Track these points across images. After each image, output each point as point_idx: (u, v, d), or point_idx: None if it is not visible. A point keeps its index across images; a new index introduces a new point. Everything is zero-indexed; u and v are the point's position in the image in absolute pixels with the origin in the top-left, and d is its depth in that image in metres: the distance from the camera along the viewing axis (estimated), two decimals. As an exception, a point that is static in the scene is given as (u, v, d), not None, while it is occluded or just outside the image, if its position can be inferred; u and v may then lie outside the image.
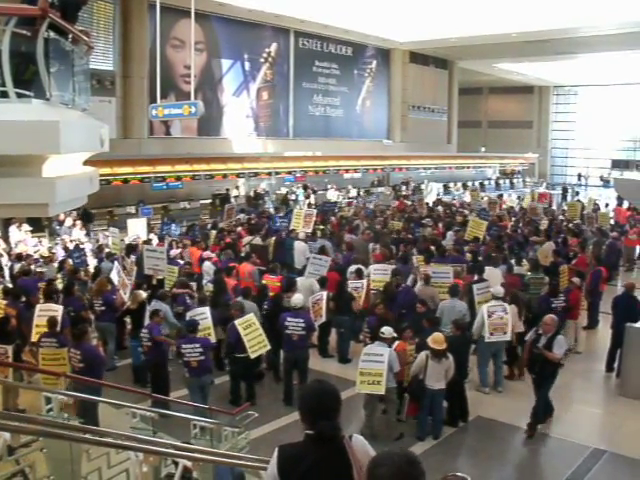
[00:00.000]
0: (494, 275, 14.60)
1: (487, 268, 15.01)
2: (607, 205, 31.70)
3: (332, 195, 37.08)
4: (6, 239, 20.89)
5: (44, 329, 11.03)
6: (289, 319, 11.54)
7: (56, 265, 17.58)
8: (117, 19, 31.31)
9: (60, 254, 18.93)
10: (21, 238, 20.84)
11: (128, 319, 13.68)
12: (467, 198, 36.04)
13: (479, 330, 12.06)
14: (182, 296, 13.68)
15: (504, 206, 30.13)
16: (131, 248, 17.81)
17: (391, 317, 12.22)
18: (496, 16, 36.62)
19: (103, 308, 13.14)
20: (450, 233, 20.62)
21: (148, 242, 19.38)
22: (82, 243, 20.53)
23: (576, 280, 14.65)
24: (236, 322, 11.35)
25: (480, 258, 16.92)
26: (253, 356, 11.21)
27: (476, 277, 14.61)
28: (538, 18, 36.05)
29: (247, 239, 19.78)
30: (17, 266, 17.23)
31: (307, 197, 34.98)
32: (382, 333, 10.26)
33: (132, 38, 32.04)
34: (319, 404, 3.69)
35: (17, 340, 11.46)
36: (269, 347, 11.52)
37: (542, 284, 14.63)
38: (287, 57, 42.57)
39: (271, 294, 13.65)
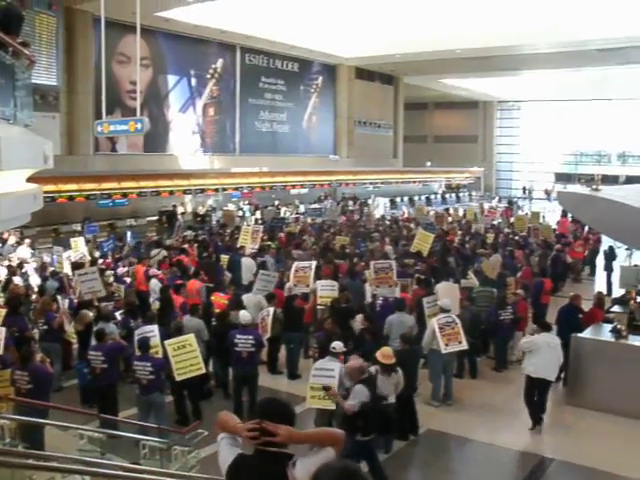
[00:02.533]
0: (451, 289, 14.71)
1: (444, 283, 15.13)
2: (544, 217, 32.13)
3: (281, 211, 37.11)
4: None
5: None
6: (238, 336, 11.45)
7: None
8: (61, 33, 30.88)
9: (3, 273, 18.55)
10: (-38, 257, 20.41)
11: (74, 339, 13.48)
12: (406, 210, 36.44)
13: (429, 343, 12.14)
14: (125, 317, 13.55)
15: (449, 219, 30.48)
16: (76, 266, 17.54)
17: (338, 332, 12.23)
18: (440, 33, 37.17)
19: (46, 327, 12.89)
20: (389, 248, 20.73)
21: (95, 261, 19.10)
22: (27, 262, 20.13)
23: (520, 292, 14.86)
24: (166, 342, 11.13)
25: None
26: (179, 379, 10.97)
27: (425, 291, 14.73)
28: (481, 35, 36.72)
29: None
30: (-42, 286, 16.85)
31: (253, 213, 34.85)
32: (333, 348, 10.24)
33: (77, 53, 31.68)
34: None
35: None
36: (203, 371, 11.22)
37: (490, 297, 14.79)
38: (233, 73, 42.52)
39: (217, 311, 13.57)
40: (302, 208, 38.74)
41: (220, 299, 14.46)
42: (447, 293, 14.17)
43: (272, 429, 3.60)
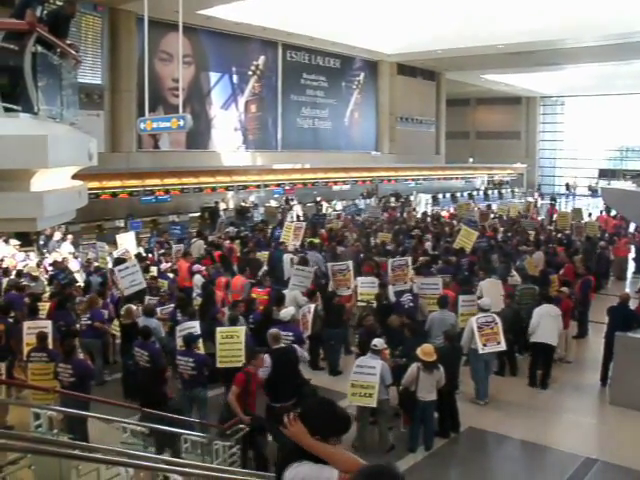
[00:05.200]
0: (494, 286, 14.63)
1: (488, 279, 15.06)
2: (590, 215, 31.84)
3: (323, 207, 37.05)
4: (-7, 254, 20.80)
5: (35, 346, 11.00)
6: (278, 332, 11.51)
7: (44, 279, 17.50)
8: (105, 33, 31.27)
9: (49, 269, 18.83)
10: (8, 252, 20.73)
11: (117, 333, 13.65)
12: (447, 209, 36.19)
13: (468, 342, 12.07)
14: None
15: (492, 216, 30.21)
16: (119, 262, 17.72)
17: (377, 329, 12.25)
18: (482, 28, 36.79)
19: (89, 322, 13.06)
20: (429, 244, 20.68)
21: (139, 256, 19.30)
22: (75, 256, 20.43)
23: (565, 289, 14.69)
24: (217, 329, 11.34)
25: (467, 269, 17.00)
26: (219, 366, 11.12)
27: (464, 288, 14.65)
28: (524, 30, 36.25)
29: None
30: (4, 281, 17.14)
31: (290, 209, 34.70)
32: (374, 345, 10.24)
33: (120, 52, 31.99)
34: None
35: (9, 356, 11.43)
36: (241, 364, 11.36)
37: (533, 295, 14.64)
38: (275, 70, 42.57)
39: (260, 307, 13.66)
40: (339, 205, 38.56)
41: (259, 295, 14.53)
42: (491, 290, 14.12)
43: (287, 423, 3.75)
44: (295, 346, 10.80)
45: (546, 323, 12.74)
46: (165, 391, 9.84)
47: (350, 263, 16.04)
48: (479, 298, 13.52)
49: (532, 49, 40.24)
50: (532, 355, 13.28)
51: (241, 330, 11.34)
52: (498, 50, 41.09)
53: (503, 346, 12.08)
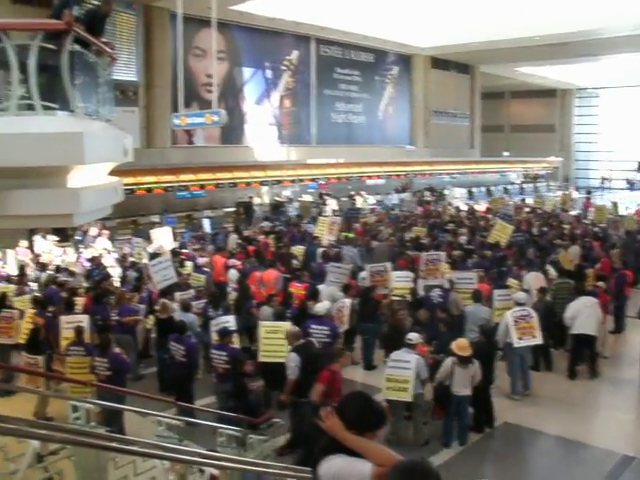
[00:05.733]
0: (538, 279, 14.55)
1: (532, 273, 15.00)
2: (627, 208, 31.45)
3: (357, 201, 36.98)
4: (32, 249, 21.08)
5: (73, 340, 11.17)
6: (313, 326, 11.55)
7: (81, 275, 17.71)
8: (140, 30, 31.50)
9: (86, 264, 19.06)
10: (46, 248, 21.00)
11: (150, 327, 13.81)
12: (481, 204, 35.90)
13: (503, 336, 12.02)
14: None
15: (527, 210, 29.95)
16: (155, 257, 17.85)
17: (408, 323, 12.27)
18: (517, 20, 36.47)
19: (117, 318, 13.21)
20: (463, 238, 20.59)
21: (174, 251, 19.46)
22: (109, 252, 20.65)
23: (601, 284, 14.55)
24: (261, 323, 11.46)
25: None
26: (261, 359, 11.20)
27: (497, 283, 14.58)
28: (559, 21, 35.86)
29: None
30: (43, 276, 17.38)
31: (324, 204, 34.67)
32: (409, 340, 10.24)
33: (154, 48, 32.21)
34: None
35: (47, 350, 11.62)
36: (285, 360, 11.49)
37: (569, 289, 14.51)
38: (308, 64, 42.58)
39: (296, 301, 13.72)
40: (371, 199, 38.41)
41: (298, 290, 14.57)
42: (535, 283, 14.07)
43: (324, 417, 3.81)
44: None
45: (584, 314, 12.72)
46: (245, 384, 9.85)
47: (389, 265, 15.94)
48: (526, 291, 13.48)
49: (567, 40, 39.73)
50: (572, 347, 13.27)
51: (286, 325, 11.43)
52: (533, 42, 40.70)
53: (539, 340, 12.01)
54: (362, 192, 38.87)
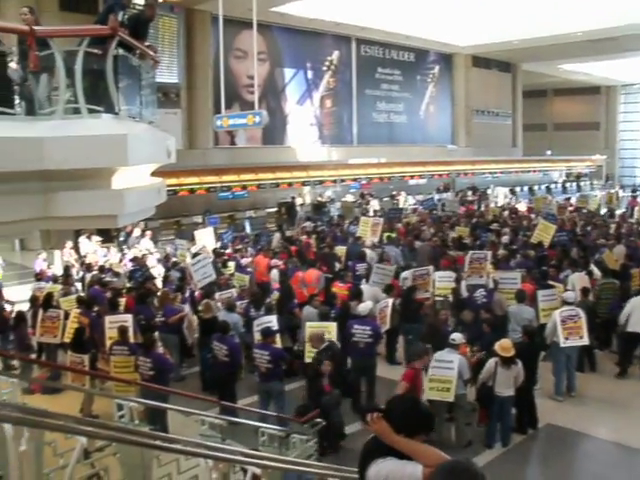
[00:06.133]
0: (583, 280, 14.39)
1: (577, 273, 14.83)
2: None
3: (400, 201, 36.80)
4: (77, 250, 21.37)
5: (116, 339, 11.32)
6: (356, 326, 11.55)
7: (125, 275, 17.90)
8: (181, 33, 31.84)
9: (129, 265, 19.27)
10: (91, 249, 21.27)
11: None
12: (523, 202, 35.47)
13: (551, 335, 11.91)
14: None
15: (570, 209, 29.57)
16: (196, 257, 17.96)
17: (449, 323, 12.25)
18: (560, 16, 36.04)
19: (163, 319, 13.34)
20: (506, 238, 20.41)
21: (216, 252, 19.60)
22: (151, 253, 20.85)
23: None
24: (307, 324, 11.49)
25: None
26: (307, 360, 11.24)
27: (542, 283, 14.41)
28: (604, 15, 35.29)
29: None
30: (88, 276, 17.62)
31: (367, 204, 34.56)
32: (453, 340, 10.19)
33: (196, 50, 32.50)
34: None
35: (92, 349, 11.79)
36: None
37: (614, 289, 14.30)
38: (349, 64, 42.60)
39: (339, 301, 13.74)
40: (410, 199, 38.14)
41: (340, 290, 14.58)
42: (579, 284, 13.90)
43: (370, 420, 3.81)
44: None
45: (637, 312, 12.59)
46: (323, 385, 9.85)
47: (431, 269, 15.79)
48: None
49: (612, 35, 39.13)
50: (623, 346, 13.18)
51: (332, 326, 11.46)
52: (576, 38, 40.27)
53: (586, 340, 11.86)
54: (402, 192, 38.67)
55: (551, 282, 14.44)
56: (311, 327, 11.56)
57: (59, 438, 5.29)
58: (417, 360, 9.56)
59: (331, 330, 11.41)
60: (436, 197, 39.25)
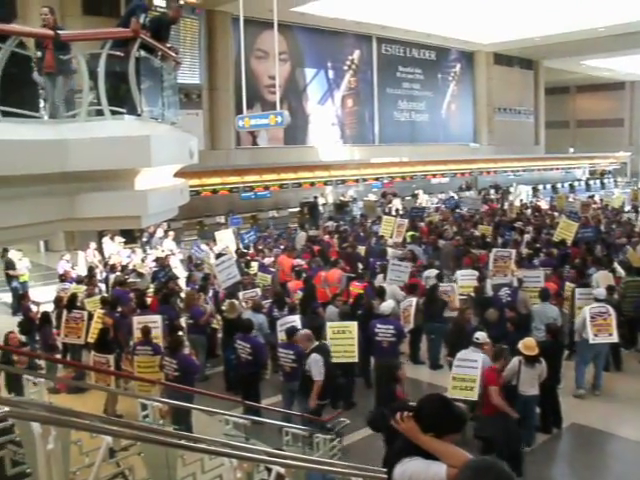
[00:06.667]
0: (607, 278, 14.27)
1: (601, 272, 14.70)
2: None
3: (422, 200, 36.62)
4: (101, 251, 21.51)
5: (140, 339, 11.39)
6: (379, 326, 11.54)
7: (148, 276, 17.99)
8: (202, 34, 31.98)
9: (151, 265, 19.35)
10: (114, 250, 21.39)
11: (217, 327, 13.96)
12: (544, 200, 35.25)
13: (580, 331, 11.85)
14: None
15: (594, 207, 29.32)
16: (220, 257, 17.98)
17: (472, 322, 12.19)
18: (582, 11, 35.74)
19: (191, 321, 13.36)
20: (528, 236, 20.30)
21: (239, 252, 19.67)
22: (173, 253, 20.92)
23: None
24: (328, 324, 11.48)
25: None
26: (334, 361, 11.25)
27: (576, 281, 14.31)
28: (627, 9, 34.91)
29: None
30: (112, 277, 17.72)
31: (389, 203, 34.41)
32: (476, 339, 10.15)
33: (217, 52, 32.64)
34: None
35: (116, 349, 11.87)
36: (356, 359, 11.48)
37: (638, 287, 14.16)
38: (370, 63, 42.58)
39: (352, 300, 13.73)
40: (426, 198, 37.80)
41: (356, 289, 14.56)
42: (604, 282, 13.78)
43: (398, 419, 3.82)
44: None
45: None
46: (395, 391, 9.70)
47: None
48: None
49: (636, 29, 38.65)
50: None
51: (353, 325, 11.44)
52: (599, 34, 39.88)
53: (615, 338, 11.77)
54: (419, 191, 38.45)
55: (569, 283, 14.38)
56: (332, 327, 11.56)
57: (84, 437, 5.33)
58: (497, 361, 9.52)
59: (352, 329, 11.39)
60: (453, 195, 39.09)
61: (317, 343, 10.14)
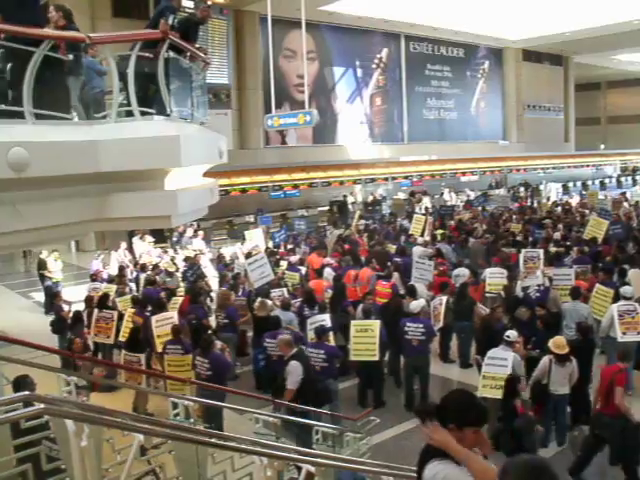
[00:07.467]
0: (637, 276, 14.12)
1: (634, 270, 14.54)
2: None
3: (448, 198, 36.43)
4: (131, 250, 21.68)
5: (165, 338, 11.45)
6: (409, 324, 11.51)
7: (179, 275, 18.10)
8: (231, 34, 32.13)
9: (182, 265, 19.47)
10: (144, 249, 21.55)
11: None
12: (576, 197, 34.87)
13: (606, 328, 11.74)
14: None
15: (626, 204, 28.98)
16: (249, 256, 18.02)
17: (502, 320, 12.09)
18: (613, 4, 35.32)
19: (226, 321, 13.41)
20: (557, 234, 20.12)
21: (269, 250, 19.75)
22: (202, 252, 21.03)
23: None
24: (352, 322, 11.49)
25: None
26: (353, 359, 11.24)
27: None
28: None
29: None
30: (142, 276, 17.85)
31: (418, 201, 34.26)
32: (507, 337, 10.09)
33: (245, 51, 32.77)
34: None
35: (147, 348, 11.95)
36: (377, 358, 11.40)
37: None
38: (398, 62, 42.52)
39: (382, 300, 13.70)
40: (454, 196, 37.46)
41: (383, 288, 14.52)
42: (637, 280, 13.64)
43: (430, 430, 3.77)
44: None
45: None
46: (514, 406, 9.31)
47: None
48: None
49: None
50: None
51: (376, 324, 11.43)
52: (631, 26, 39.35)
53: (644, 336, 11.67)
54: (446, 189, 38.21)
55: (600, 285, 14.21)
56: (355, 325, 11.55)
57: (117, 435, 5.39)
58: (625, 361, 9.46)
59: (374, 328, 11.37)
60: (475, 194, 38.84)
61: (296, 349, 9.98)
